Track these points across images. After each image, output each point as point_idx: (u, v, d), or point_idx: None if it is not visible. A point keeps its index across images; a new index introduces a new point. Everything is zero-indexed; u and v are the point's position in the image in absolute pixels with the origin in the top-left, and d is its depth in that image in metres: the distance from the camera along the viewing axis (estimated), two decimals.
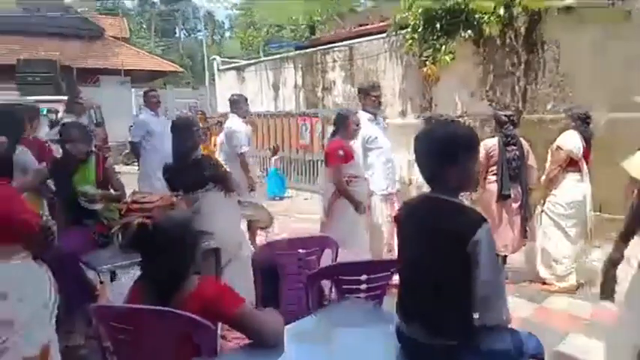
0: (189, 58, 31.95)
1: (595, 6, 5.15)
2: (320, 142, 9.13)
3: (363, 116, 4.16)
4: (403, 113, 7.75)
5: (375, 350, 1.71)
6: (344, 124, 3.85)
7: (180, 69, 19.08)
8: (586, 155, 4.10)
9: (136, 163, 6.36)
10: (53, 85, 9.27)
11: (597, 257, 4.10)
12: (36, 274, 1.69)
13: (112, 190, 3.32)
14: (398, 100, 7.78)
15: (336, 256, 2.70)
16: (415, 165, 1.63)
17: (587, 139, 4.11)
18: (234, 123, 5.21)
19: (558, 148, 4.08)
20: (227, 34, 36.71)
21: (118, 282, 1.84)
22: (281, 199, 8.73)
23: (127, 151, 10.95)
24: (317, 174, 9.17)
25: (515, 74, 6.14)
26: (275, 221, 4.81)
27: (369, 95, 4.32)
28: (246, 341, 1.76)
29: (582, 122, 4.13)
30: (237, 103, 5.33)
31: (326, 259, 2.72)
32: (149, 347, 1.68)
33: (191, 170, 3.07)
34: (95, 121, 8.59)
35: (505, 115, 4.27)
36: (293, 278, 2.59)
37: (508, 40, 6.11)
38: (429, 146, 1.54)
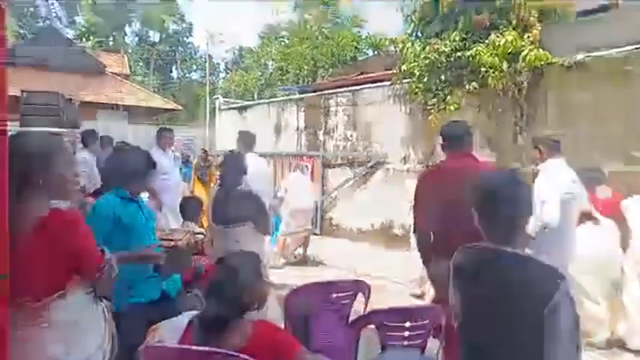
0: (185, 96, 32.32)
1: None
2: (320, 183, 9.19)
3: None
4: (405, 159, 7.91)
5: None
6: None
7: (180, 107, 19.26)
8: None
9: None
10: (56, 118, 9.23)
11: None
12: (91, 312, 1.65)
13: None
14: (400, 146, 7.95)
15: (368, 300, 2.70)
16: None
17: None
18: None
19: None
20: (221, 75, 37.47)
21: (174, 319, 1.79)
22: None
23: None
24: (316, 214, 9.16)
25: (517, 125, 6.38)
26: None
27: None
28: None
29: None
30: None
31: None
32: None
33: (234, 204, 3.09)
34: None
35: None
36: (325, 322, 2.56)
37: (511, 94, 6.36)
38: (505, 195, 1.49)
